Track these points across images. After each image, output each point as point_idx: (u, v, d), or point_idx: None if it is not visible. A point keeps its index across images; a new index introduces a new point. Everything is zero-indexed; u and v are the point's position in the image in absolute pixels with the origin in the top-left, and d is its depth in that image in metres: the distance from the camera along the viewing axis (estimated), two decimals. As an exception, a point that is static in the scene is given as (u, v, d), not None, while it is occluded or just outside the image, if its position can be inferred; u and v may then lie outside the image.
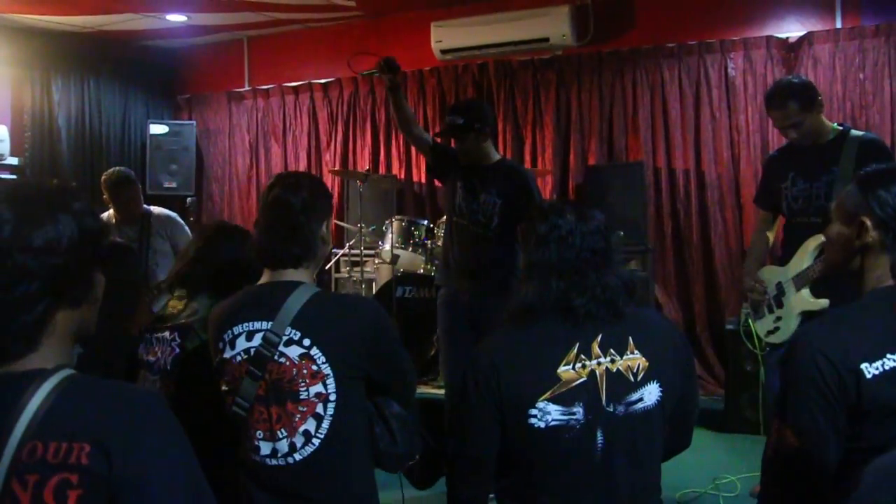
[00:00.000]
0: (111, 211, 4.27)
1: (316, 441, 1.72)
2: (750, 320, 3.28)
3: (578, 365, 1.63)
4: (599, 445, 1.61)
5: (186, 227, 4.48)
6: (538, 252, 1.71)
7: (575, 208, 1.76)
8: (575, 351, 1.63)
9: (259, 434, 1.73)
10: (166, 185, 6.10)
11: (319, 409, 1.72)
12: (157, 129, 6.17)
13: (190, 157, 6.20)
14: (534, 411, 1.60)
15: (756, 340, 3.97)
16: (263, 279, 1.85)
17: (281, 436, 1.72)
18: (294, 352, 1.72)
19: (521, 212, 3.41)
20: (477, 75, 5.78)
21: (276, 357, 1.72)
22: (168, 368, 2.13)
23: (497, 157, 3.54)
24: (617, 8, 5.42)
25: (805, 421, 1.45)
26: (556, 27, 5.25)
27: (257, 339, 1.74)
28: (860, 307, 1.54)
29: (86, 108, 5.95)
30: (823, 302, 2.95)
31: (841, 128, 3.07)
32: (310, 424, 1.72)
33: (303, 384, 1.72)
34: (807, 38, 4.94)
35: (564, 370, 1.62)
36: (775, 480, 1.57)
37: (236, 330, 1.76)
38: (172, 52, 6.68)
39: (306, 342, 1.72)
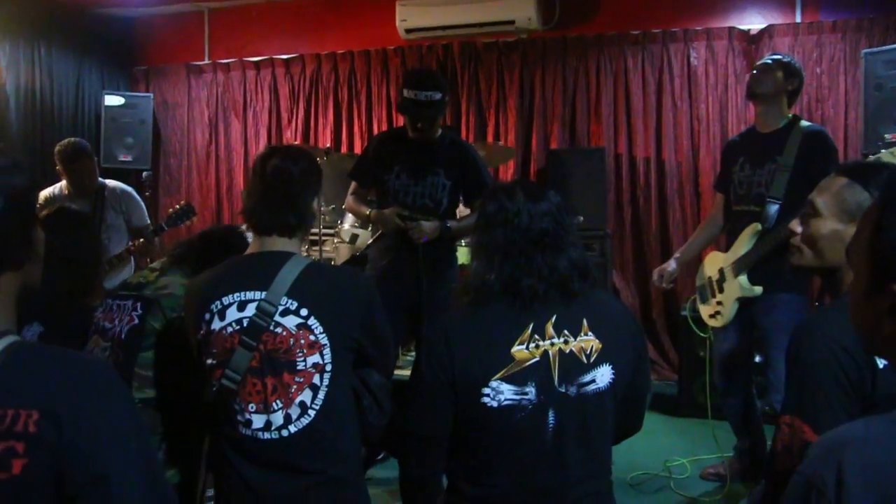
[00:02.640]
0: (63, 182, 4.15)
1: (312, 412, 1.71)
2: (697, 304, 3.35)
3: (532, 345, 1.62)
4: (551, 426, 1.62)
5: (142, 203, 4.37)
6: (485, 233, 1.70)
7: (526, 189, 1.73)
8: (529, 331, 1.63)
9: (252, 406, 1.70)
10: (122, 158, 5.93)
11: (316, 379, 1.71)
12: (112, 100, 5.99)
13: (146, 131, 6.03)
14: (487, 390, 1.60)
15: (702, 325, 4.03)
16: (251, 249, 1.84)
17: (276, 407, 1.70)
18: (291, 321, 1.71)
19: (470, 191, 3.40)
20: (441, 56, 5.74)
21: (271, 327, 1.70)
22: (122, 338, 2.09)
23: (440, 129, 3.35)
24: (583, -7, 5.43)
25: (825, 416, 1.37)
26: (522, 10, 5.23)
27: (251, 310, 1.72)
28: None
29: (36, 75, 5.74)
30: (757, 289, 3.02)
31: (791, 117, 3.13)
32: (306, 395, 1.71)
33: (300, 354, 1.71)
34: (767, 31, 5.01)
35: (518, 350, 1.62)
36: (785, 478, 1.51)
37: (226, 300, 1.74)
38: (130, 21, 6.49)
39: (304, 312, 1.71)
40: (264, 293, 1.72)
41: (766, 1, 5.07)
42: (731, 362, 3.26)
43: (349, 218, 4.51)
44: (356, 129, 5.98)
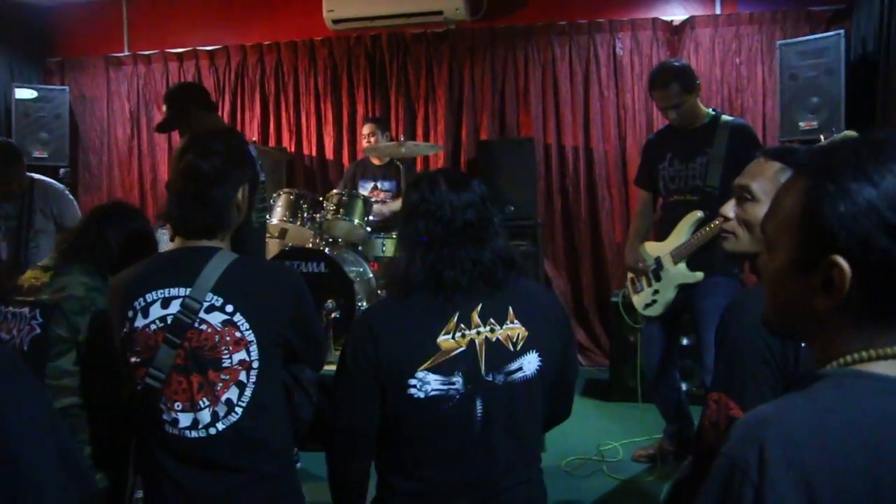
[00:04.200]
0: None
1: (238, 410, 1.66)
2: (630, 294, 3.40)
3: (458, 334, 1.61)
4: (479, 416, 1.61)
5: (74, 202, 4.11)
6: (408, 224, 1.68)
7: (449, 178, 1.70)
8: (455, 320, 1.62)
9: (178, 405, 1.65)
10: (36, 154, 5.65)
11: (242, 376, 1.66)
12: (24, 93, 5.70)
13: (63, 125, 5.77)
14: (413, 381, 1.58)
15: (632, 314, 4.11)
16: (175, 245, 1.77)
17: (202, 405, 1.65)
18: (216, 318, 1.66)
19: None
20: (370, 47, 5.68)
21: (196, 324, 1.65)
22: (25, 349, 1.98)
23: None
24: (510, -16, 5.45)
25: (751, 392, 1.39)
26: (449, 0, 5.22)
27: (175, 306, 1.66)
28: None
29: (-61, 68, 5.43)
30: (699, 275, 3.09)
31: (713, 112, 3.23)
32: (232, 393, 1.66)
33: (226, 351, 1.66)
34: (689, 22, 5.13)
35: (444, 339, 1.60)
36: (711, 453, 1.51)
37: (149, 297, 1.67)
38: (41, 10, 6.18)
39: (229, 308, 1.66)
40: (189, 290, 1.66)
41: (687, -7, 5.20)
42: (660, 350, 3.33)
43: (277, 212, 4.42)
44: (284, 121, 5.86)
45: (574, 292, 5.44)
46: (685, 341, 4.08)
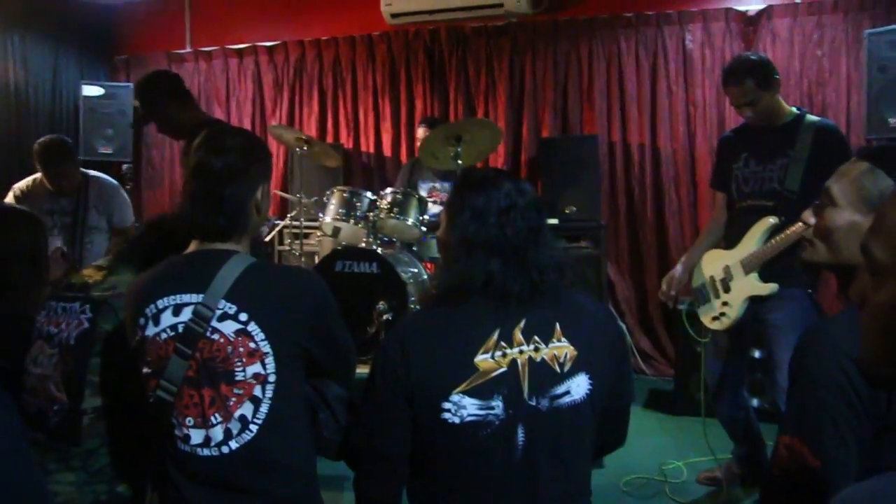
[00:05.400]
0: (40, 175, 3.90)
1: (254, 427, 1.54)
2: (696, 307, 3.13)
3: (498, 353, 1.45)
4: (520, 443, 1.44)
5: (128, 200, 4.11)
6: (473, 227, 1.51)
7: (511, 179, 1.57)
8: (495, 338, 1.45)
9: (189, 421, 1.54)
10: (101, 150, 5.73)
11: (257, 391, 1.54)
12: (91, 90, 5.79)
13: (127, 122, 5.84)
14: (447, 405, 1.43)
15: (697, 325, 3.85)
16: (191, 248, 1.65)
17: (215, 421, 1.53)
18: (229, 327, 1.54)
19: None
20: (428, 41, 5.54)
21: (208, 333, 1.53)
22: (72, 343, 1.93)
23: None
24: (574, -25, 5.23)
25: (830, 439, 1.20)
26: (511, -8, 5.04)
27: (186, 314, 1.55)
28: None
29: (10, 66, 5.55)
30: (773, 286, 2.84)
31: (798, 111, 2.95)
32: (246, 409, 1.54)
33: (239, 364, 1.53)
34: (766, 12, 4.81)
35: (482, 359, 1.44)
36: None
37: (161, 304, 1.57)
38: (108, 9, 6.28)
39: (243, 317, 1.54)
40: (201, 296, 1.55)
41: (764, -20, 4.88)
42: (727, 366, 3.08)
43: (331, 210, 4.32)
44: (342, 117, 5.79)
45: (638, 297, 5.20)
46: (756, 354, 3.79)
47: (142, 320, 1.58)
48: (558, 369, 1.47)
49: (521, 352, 1.46)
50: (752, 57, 3.02)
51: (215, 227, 1.61)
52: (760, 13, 4.82)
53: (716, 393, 3.12)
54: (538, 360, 1.46)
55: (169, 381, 1.54)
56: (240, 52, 6.03)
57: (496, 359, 1.45)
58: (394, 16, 5.31)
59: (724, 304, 2.96)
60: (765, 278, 2.85)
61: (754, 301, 2.88)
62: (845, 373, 1.19)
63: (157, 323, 1.56)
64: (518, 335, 1.46)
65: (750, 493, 3.14)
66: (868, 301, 0.77)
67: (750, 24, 4.86)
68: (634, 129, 5.11)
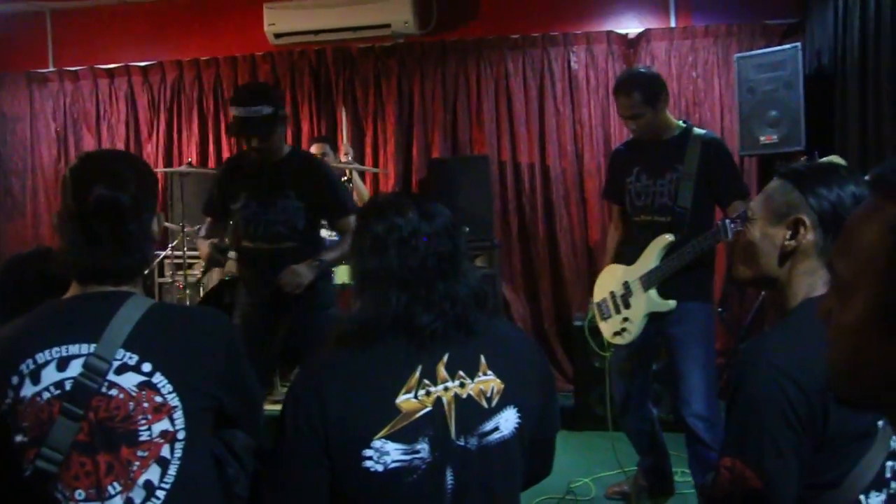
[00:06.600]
0: None
1: (161, 493, 1.35)
2: (597, 321, 3.16)
3: (422, 392, 1.35)
4: (449, 487, 1.35)
5: None
6: (374, 258, 1.39)
7: (417, 204, 1.45)
8: (417, 375, 1.35)
9: (79, 494, 1.32)
10: (-48, 178, 5.24)
11: (165, 451, 1.36)
12: (-62, 113, 5.29)
13: (-19, 148, 5.36)
14: (369, 452, 1.31)
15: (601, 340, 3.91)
16: (73, 291, 1.43)
17: (113, 492, 1.33)
18: (130, 380, 1.35)
19: (330, 212, 3.15)
20: (314, 62, 5.40)
21: (103, 389, 1.33)
22: None
23: (287, 147, 3.11)
24: (460, -5, 5.26)
25: (772, 460, 1.19)
26: (397, 13, 5.00)
27: (75, 368, 1.34)
28: (801, 321, 1.29)
29: None
30: (671, 303, 2.89)
31: (684, 125, 3.03)
32: (152, 473, 1.35)
33: (143, 421, 1.35)
34: (644, 35, 5.00)
35: (405, 399, 1.34)
36: None
37: (40, 358, 1.35)
38: (-43, 24, 5.76)
39: (146, 367, 1.36)
40: (93, 346, 1.35)
41: (642, 5, 5.07)
42: (631, 380, 3.11)
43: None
44: (224, 141, 5.53)
45: (533, 315, 5.23)
46: (654, 366, 3.88)
47: (14, 379, 1.35)
48: (486, 405, 1.38)
49: (445, 389, 1.37)
50: (644, 71, 3.10)
51: (124, 270, 1.42)
52: (639, 36, 5.01)
53: (622, 407, 3.14)
54: (464, 396, 1.37)
55: (53, 449, 1.32)
56: (110, 72, 5.65)
57: (420, 398, 1.35)
58: (277, 36, 5.15)
59: (625, 319, 2.99)
60: (665, 293, 2.90)
61: (654, 317, 2.93)
62: (783, 391, 1.19)
63: (36, 381, 1.35)
64: (442, 371, 1.37)
65: (658, 505, 3.18)
66: (834, 319, 0.74)
67: (630, 46, 5.03)
68: (524, 149, 5.17)
